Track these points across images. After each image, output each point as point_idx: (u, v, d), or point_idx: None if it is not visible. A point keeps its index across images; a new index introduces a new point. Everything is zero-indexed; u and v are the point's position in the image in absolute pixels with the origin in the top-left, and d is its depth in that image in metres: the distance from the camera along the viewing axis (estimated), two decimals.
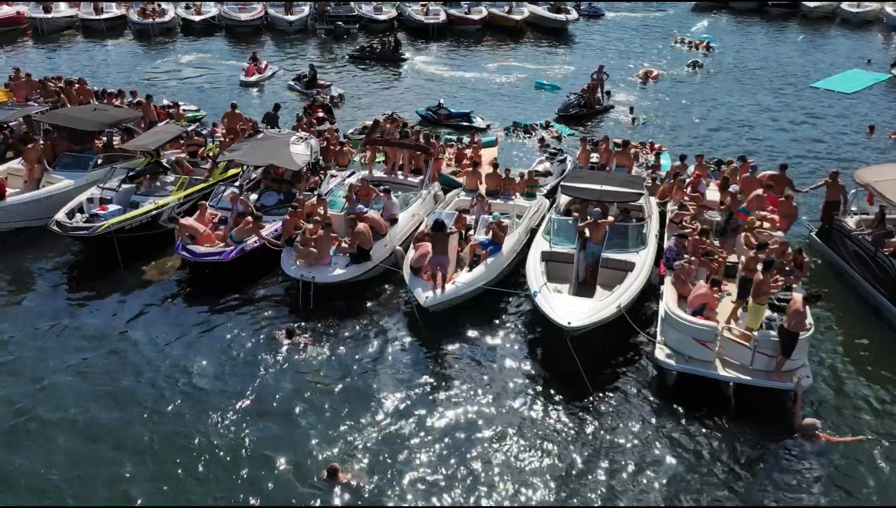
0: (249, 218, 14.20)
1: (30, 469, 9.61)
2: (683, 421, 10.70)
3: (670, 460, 10.01)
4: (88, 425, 10.46)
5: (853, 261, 14.26)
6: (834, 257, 14.95)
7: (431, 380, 11.54)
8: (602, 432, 10.51)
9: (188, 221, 14.29)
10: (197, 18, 36.40)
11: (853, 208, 15.27)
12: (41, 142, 17.22)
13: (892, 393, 11.40)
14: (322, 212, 14.46)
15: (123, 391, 11.16)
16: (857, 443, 10.19)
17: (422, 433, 10.39)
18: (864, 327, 13.21)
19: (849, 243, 14.43)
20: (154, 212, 15.16)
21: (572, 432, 10.50)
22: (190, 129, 19.08)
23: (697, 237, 13.17)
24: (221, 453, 9.96)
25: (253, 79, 28.00)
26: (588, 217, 13.57)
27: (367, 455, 9.96)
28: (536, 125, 23.17)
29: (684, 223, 14.11)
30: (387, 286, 14.02)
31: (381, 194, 15.12)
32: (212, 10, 37.24)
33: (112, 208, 15.02)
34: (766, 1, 42.74)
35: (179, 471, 9.65)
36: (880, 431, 10.58)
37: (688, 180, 15.86)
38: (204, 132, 19.71)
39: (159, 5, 37.10)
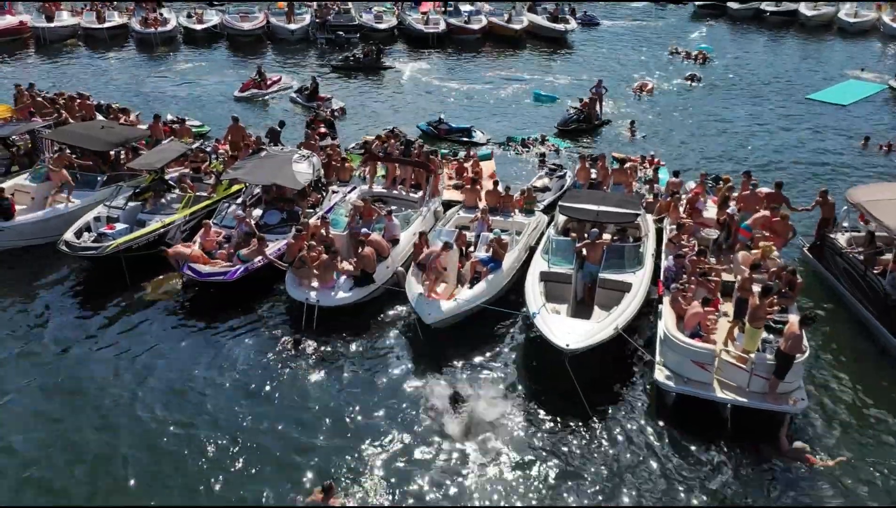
0: (255, 240, 14.45)
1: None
2: (681, 442, 10.90)
3: (668, 480, 10.25)
4: (95, 434, 10.84)
5: (843, 278, 14.48)
6: (825, 273, 15.17)
7: (430, 400, 11.73)
8: (600, 453, 10.75)
9: (177, 249, 14.47)
10: (199, 27, 36.54)
11: (844, 225, 15.52)
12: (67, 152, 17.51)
13: (879, 411, 11.64)
14: (324, 234, 14.64)
15: (124, 404, 11.50)
16: (844, 463, 10.40)
17: (416, 452, 10.65)
18: (853, 344, 13.39)
19: (839, 261, 14.65)
20: (161, 230, 15.43)
21: (570, 453, 10.73)
22: (194, 146, 19.27)
23: (695, 258, 13.39)
24: (218, 466, 10.29)
25: (247, 94, 27.72)
26: (586, 236, 13.84)
27: (363, 473, 10.21)
28: (533, 140, 23.24)
29: (682, 243, 14.33)
30: (388, 305, 14.25)
31: (383, 215, 15.36)
32: (213, 18, 37.34)
33: (119, 226, 15.27)
34: (763, 9, 42.95)
35: (174, 485, 10.00)
36: (868, 449, 10.82)
37: (685, 198, 16.11)
38: (207, 149, 19.92)
39: (161, 14, 37.29)
